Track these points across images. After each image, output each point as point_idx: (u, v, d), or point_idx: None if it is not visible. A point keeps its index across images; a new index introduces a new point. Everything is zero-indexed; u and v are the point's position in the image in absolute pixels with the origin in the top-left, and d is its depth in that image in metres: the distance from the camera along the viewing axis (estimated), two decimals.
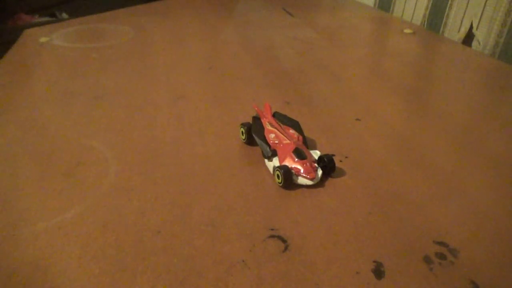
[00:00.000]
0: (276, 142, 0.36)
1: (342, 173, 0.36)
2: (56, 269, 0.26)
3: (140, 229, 0.29)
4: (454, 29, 0.79)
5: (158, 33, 0.75)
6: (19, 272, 0.26)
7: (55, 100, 0.48)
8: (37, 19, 1.21)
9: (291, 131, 0.38)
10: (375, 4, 1.07)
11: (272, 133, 0.37)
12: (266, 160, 0.37)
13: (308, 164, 0.34)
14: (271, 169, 0.35)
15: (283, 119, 0.40)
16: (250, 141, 0.40)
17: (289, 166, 0.34)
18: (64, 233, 0.29)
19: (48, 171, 0.36)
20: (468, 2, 0.75)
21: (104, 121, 0.44)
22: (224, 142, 0.40)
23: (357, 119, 0.45)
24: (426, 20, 0.87)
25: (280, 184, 0.34)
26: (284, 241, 0.29)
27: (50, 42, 0.68)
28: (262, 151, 0.37)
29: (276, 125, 0.38)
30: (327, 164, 0.35)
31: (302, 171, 0.34)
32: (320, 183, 0.34)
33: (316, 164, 0.35)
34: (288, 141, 0.36)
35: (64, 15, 1.17)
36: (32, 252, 0.27)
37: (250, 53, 0.65)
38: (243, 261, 0.27)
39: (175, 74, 0.56)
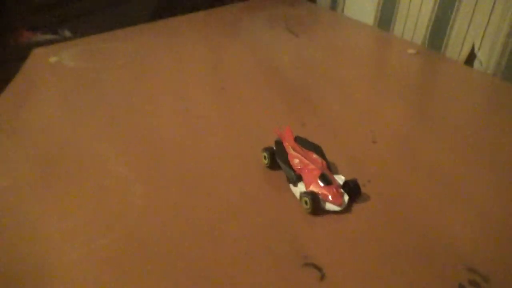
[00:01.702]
0: (301, 167, 0.37)
1: (366, 198, 0.36)
2: None
3: (166, 254, 0.29)
4: (455, 49, 0.81)
5: (166, 53, 0.75)
6: None
7: (71, 123, 0.48)
8: (39, 36, 1.21)
9: (315, 156, 0.38)
10: (374, 23, 1.09)
11: (296, 158, 0.38)
12: (291, 185, 0.37)
13: (335, 189, 0.35)
14: (297, 195, 0.36)
15: (305, 144, 0.40)
16: (273, 166, 0.40)
17: (317, 192, 0.34)
18: (103, 261, 0.29)
19: (71, 198, 0.36)
20: (470, 23, 0.77)
21: (121, 144, 0.44)
22: (246, 166, 0.41)
23: (374, 142, 0.46)
24: (427, 40, 0.89)
25: (309, 210, 0.34)
26: (319, 269, 0.29)
27: (60, 62, 0.68)
28: (287, 177, 0.37)
29: (299, 150, 0.39)
30: (353, 189, 0.35)
31: (330, 197, 0.34)
32: (346, 208, 0.35)
33: (342, 190, 0.35)
34: (313, 166, 0.36)
35: (67, 33, 1.17)
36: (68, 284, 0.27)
37: (261, 74, 0.66)
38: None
39: (188, 96, 0.57)
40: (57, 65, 0.67)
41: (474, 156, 0.44)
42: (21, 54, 0.99)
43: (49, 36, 1.21)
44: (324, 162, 0.38)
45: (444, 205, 0.36)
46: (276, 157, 0.39)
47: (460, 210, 0.35)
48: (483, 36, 0.74)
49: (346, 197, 0.35)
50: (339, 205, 0.34)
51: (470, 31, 0.77)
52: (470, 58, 0.78)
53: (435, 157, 0.43)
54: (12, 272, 0.28)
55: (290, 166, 0.37)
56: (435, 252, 0.31)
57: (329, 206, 0.34)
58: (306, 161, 0.37)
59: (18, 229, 0.32)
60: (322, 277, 0.28)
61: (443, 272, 0.29)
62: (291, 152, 0.38)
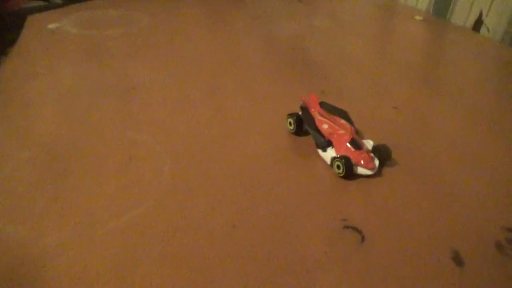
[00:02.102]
0: (330, 132, 0.36)
1: (395, 162, 0.37)
2: (141, 270, 0.26)
3: (213, 228, 0.29)
4: (462, 16, 0.80)
5: (174, 20, 0.73)
6: (104, 274, 0.25)
7: (87, 92, 0.47)
8: (28, 2, 1.15)
9: (343, 121, 0.38)
10: None
11: (325, 124, 0.37)
12: (320, 151, 0.37)
13: (366, 154, 0.34)
14: (327, 160, 0.36)
15: (330, 109, 0.40)
16: (298, 131, 0.40)
17: (348, 157, 0.34)
18: (138, 232, 0.29)
19: (103, 168, 0.35)
20: None
21: (143, 114, 0.43)
22: (271, 133, 0.40)
23: (394, 107, 0.46)
24: (432, 6, 0.88)
25: (341, 174, 0.34)
26: (359, 231, 0.29)
27: (60, 28, 0.65)
28: (316, 142, 0.37)
29: (326, 115, 0.38)
30: (383, 154, 0.35)
31: (362, 161, 0.34)
32: (377, 172, 0.35)
33: (372, 154, 0.35)
34: (343, 132, 0.36)
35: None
36: (109, 253, 0.27)
37: (272, 43, 0.64)
38: (325, 253, 0.27)
39: (204, 65, 0.55)
40: (59, 31, 0.64)
41: (484, 121, 0.44)
42: (13, 21, 0.94)
43: (39, 3, 1.15)
44: (353, 127, 0.37)
45: (468, 168, 0.36)
46: (304, 123, 0.38)
47: (485, 171, 0.36)
48: (491, 3, 0.74)
49: (376, 161, 0.35)
50: (371, 169, 0.34)
51: None
52: (477, 25, 0.77)
53: (448, 123, 0.43)
54: (48, 244, 0.27)
55: (319, 132, 0.37)
56: (468, 212, 0.31)
57: (361, 170, 0.34)
58: (336, 126, 0.37)
59: (51, 202, 0.31)
60: (363, 239, 0.28)
61: (478, 231, 0.29)
62: (318, 117, 0.38)
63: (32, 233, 0.28)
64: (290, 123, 0.40)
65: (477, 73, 0.56)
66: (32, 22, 0.69)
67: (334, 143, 0.36)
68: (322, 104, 0.40)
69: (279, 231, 0.29)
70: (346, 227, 0.29)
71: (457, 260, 0.27)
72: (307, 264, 0.27)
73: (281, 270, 0.26)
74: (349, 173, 0.34)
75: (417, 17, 0.79)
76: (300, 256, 0.27)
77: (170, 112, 0.43)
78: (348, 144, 0.35)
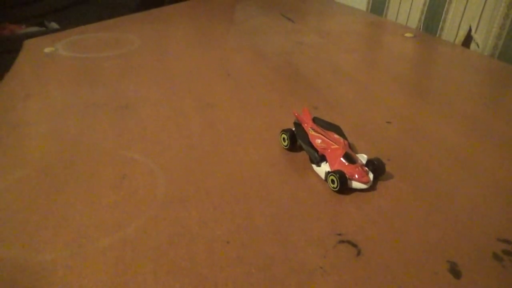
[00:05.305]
0: (324, 147, 0.37)
1: (390, 176, 0.37)
2: (136, 285, 0.25)
3: (208, 240, 0.29)
4: (451, 33, 0.82)
5: (165, 41, 0.74)
6: None
7: (80, 112, 0.47)
8: (24, 29, 1.17)
9: (336, 135, 0.38)
10: (367, 9, 1.09)
11: (318, 139, 0.37)
12: (314, 166, 0.37)
13: (360, 168, 0.34)
14: (322, 175, 0.36)
15: (323, 124, 0.40)
16: (292, 147, 0.40)
17: (343, 171, 0.34)
18: (132, 248, 0.28)
19: (96, 185, 0.34)
20: (466, 6, 0.78)
21: (137, 131, 0.43)
22: (265, 149, 0.40)
23: (388, 122, 0.46)
24: (421, 24, 0.90)
25: (336, 189, 0.34)
26: (354, 245, 0.29)
27: (56, 52, 0.66)
28: (310, 157, 0.37)
29: (320, 130, 0.38)
30: (377, 168, 0.35)
31: (356, 175, 0.34)
32: (372, 186, 0.35)
33: (366, 168, 0.35)
34: (336, 146, 0.36)
35: (54, 25, 1.14)
36: (103, 269, 0.27)
37: (263, 60, 0.65)
38: (321, 267, 0.27)
39: (195, 82, 0.56)
40: (54, 55, 0.65)
41: (477, 131, 0.44)
42: (7, 47, 0.96)
43: (35, 29, 1.17)
44: (346, 141, 0.37)
45: (463, 179, 0.36)
46: (298, 139, 0.39)
47: (478, 182, 0.36)
48: (479, 19, 0.75)
49: (371, 175, 0.35)
50: (366, 183, 0.34)
51: (466, 14, 0.78)
52: (467, 41, 0.79)
53: (441, 134, 0.43)
54: (43, 261, 0.27)
55: (312, 147, 0.37)
56: (465, 223, 0.31)
57: (356, 185, 0.34)
58: (329, 141, 0.37)
59: (44, 220, 0.31)
60: (359, 253, 0.28)
61: (475, 243, 0.29)
62: (311, 133, 0.38)
63: (24, 252, 0.28)
64: (284, 139, 0.40)
65: (468, 85, 0.57)
66: (29, 47, 0.70)
67: (328, 157, 0.36)
68: (315, 120, 0.40)
69: (274, 243, 0.29)
70: (342, 241, 0.29)
71: (455, 272, 0.27)
72: (302, 277, 0.26)
73: (278, 281, 0.26)
74: (344, 187, 0.34)
75: (407, 34, 0.80)
76: (295, 270, 0.27)
77: (163, 128, 0.44)
78: (342, 159, 0.35)
